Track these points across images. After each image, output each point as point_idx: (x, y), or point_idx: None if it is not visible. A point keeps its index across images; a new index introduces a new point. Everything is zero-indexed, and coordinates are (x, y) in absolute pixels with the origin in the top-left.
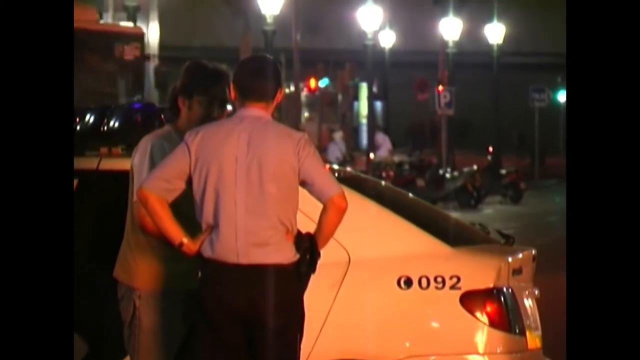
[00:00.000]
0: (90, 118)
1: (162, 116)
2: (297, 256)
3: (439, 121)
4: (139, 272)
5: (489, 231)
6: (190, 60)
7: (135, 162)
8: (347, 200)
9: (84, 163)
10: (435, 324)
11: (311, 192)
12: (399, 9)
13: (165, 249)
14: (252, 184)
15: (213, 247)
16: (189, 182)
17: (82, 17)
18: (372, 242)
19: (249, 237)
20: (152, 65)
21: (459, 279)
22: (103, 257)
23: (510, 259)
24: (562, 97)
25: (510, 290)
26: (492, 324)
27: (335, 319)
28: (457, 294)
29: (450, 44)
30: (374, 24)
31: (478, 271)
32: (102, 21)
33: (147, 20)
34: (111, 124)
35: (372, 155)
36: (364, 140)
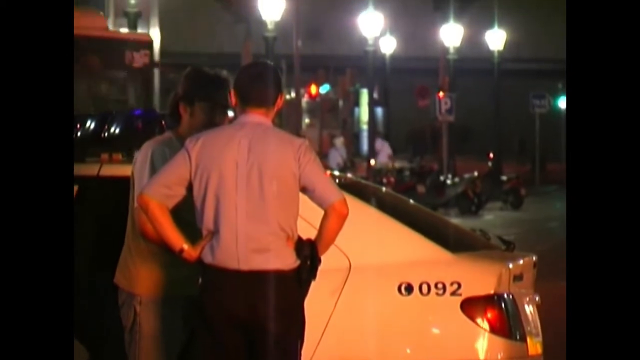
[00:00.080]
0: (91, 124)
1: (163, 122)
2: (298, 262)
3: (440, 127)
4: (139, 278)
5: (490, 237)
6: (190, 66)
7: (136, 168)
8: (348, 206)
9: (85, 169)
10: (435, 330)
11: (312, 198)
12: (400, 15)
13: (165, 255)
14: (252, 190)
15: (214, 253)
16: (190, 188)
17: (92, 25)
18: (372, 248)
19: (250, 243)
20: (156, 72)
21: (459, 285)
22: (103, 263)
23: (511, 265)
24: (562, 103)
25: (511, 296)
26: (493, 330)
27: (336, 325)
28: (457, 300)
29: (451, 50)
30: (374, 30)
31: (479, 277)
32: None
33: (147, 26)
34: (112, 130)
35: (372, 162)
36: (365, 146)
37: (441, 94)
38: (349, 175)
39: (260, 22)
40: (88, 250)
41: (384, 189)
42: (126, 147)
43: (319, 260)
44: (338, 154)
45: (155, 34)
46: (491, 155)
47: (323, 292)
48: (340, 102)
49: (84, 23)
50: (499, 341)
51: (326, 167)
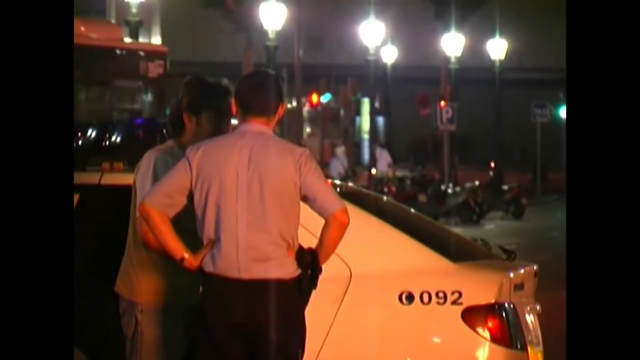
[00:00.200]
0: (92, 133)
1: (164, 131)
2: (299, 271)
3: (441, 136)
4: (141, 286)
5: (491, 246)
6: (191, 76)
7: (138, 177)
8: (349, 215)
9: (86, 178)
10: (436, 339)
11: (313, 207)
12: (401, 25)
13: (167, 264)
14: (253, 199)
15: (214, 262)
16: (190, 197)
17: (108, 35)
18: (373, 257)
19: (250, 252)
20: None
21: (460, 295)
22: (104, 271)
23: (512, 275)
24: (564, 112)
25: (512, 305)
26: (494, 339)
27: (336, 334)
28: (458, 309)
29: (452, 59)
30: (376, 39)
31: (480, 286)
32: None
33: (149, 35)
34: (113, 139)
35: (373, 171)
36: (366, 155)
37: (442, 103)
38: (350, 184)
39: (261, 32)
40: (89, 258)
41: (385, 198)
42: (127, 155)
43: (320, 269)
44: (339, 163)
45: (156, 43)
46: (492, 164)
47: (324, 301)
48: (342, 111)
49: (100, 34)
50: (500, 350)
51: (327, 176)
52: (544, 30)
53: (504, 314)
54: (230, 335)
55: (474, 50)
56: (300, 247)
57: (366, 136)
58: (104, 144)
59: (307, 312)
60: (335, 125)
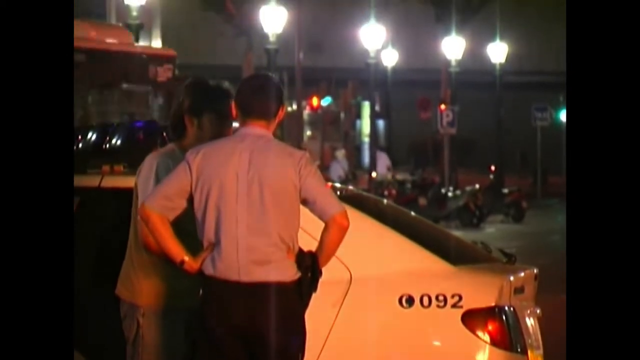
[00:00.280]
0: (92, 136)
1: (164, 134)
2: (299, 274)
3: (441, 140)
4: (142, 290)
5: (491, 250)
6: (192, 78)
7: (139, 180)
8: (349, 218)
9: (86, 181)
10: (436, 343)
11: (313, 210)
12: (402, 28)
13: (168, 267)
14: (253, 202)
15: (215, 265)
16: (191, 200)
17: (119, 40)
18: (373, 260)
19: (250, 255)
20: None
21: (460, 298)
22: (104, 274)
23: (512, 278)
24: (564, 116)
25: (512, 309)
26: (494, 342)
27: (336, 337)
28: (458, 312)
29: (453, 62)
30: (376, 42)
31: (480, 290)
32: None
33: (149, 38)
34: (113, 141)
35: (374, 174)
36: (367, 158)
37: (443, 106)
38: (351, 187)
39: (261, 35)
40: (89, 261)
41: (385, 201)
42: (127, 158)
43: (320, 272)
44: (340, 167)
45: (157, 46)
46: (493, 168)
47: (324, 304)
48: (342, 115)
49: (111, 38)
50: (500, 354)
51: (327, 179)
52: (544, 34)
53: (504, 317)
54: (230, 338)
55: (475, 54)
56: (301, 250)
57: (366, 139)
58: (104, 146)
59: (307, 315)
60: (336, 129)
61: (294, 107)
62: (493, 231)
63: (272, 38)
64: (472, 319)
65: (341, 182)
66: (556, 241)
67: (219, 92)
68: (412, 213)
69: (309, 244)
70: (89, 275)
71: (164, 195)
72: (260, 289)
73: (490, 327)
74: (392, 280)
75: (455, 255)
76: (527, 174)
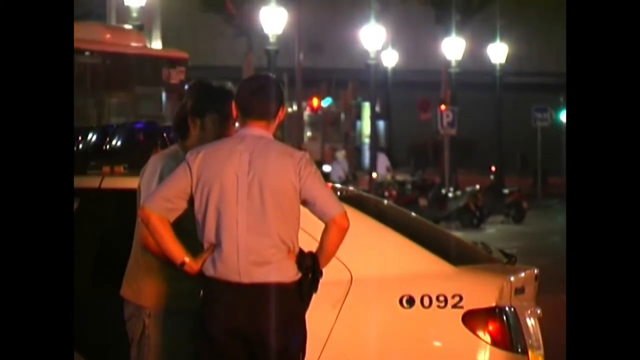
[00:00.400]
0: (92, 137)
1: (164, 135)
2: (299, 275)
3: (442, 140)
4: (148, 291)
5: (492, 250)
6: (195, 79)
7: (143, 181)
8: (349, 219)
9: (86, 182)
10: (437, 343)
11: (313, 211)
12: (402, 29)
13: (174, 268)
14: (253, 203)
15: (215, 266)
16: (191, 201)
17: (133, 43)
18: (374, 261)
19: (251, 256)
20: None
21: (461, 298)
22: (104, 275)
23: (512, 278)
24: (564, 116)
25: (512, 309)
26: (495, 343)
27: (337, 337)
28: (459, 312)
29: (453, 63)
30: (376, 43)
31: (480, 290)
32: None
33: (150, 39)
34: (113, 142)
35: (374, 175)
36: (367, 159)
37: (443, 107)
38: (351, 188)
39: (262, 35)
40: (89, 262)
41: (385, 201)
42: (127, 159)
43: (321, 273)
44: (340, 167)
45: (157, 47)
46: (493, 168)
47: (324, 304)
48: (342, 116)
49: (125, 41)
50: (501, 354)
51: (327, 179)
52: (544, 34)
53: (504, 318)
54: (230, 339)
55: (475, 54)
56: (301, 250)
57: (367, 140)
58: (104, 147)
59: (308, 315)
60: (336, 130)
61: (294, 108)
62: (493, 232)
63: (272, 39)
64: (472, 319)
65: (341, 183)
66: (556, 242)
67: (222, 93)
68: (413, 214)
69: (309, 244)
70: (89, 276)
71: (164, 196)
72: (260, 290)
73: (490, 328)
74: (393, 280)
75: (456, 255)
76: (527, 175)
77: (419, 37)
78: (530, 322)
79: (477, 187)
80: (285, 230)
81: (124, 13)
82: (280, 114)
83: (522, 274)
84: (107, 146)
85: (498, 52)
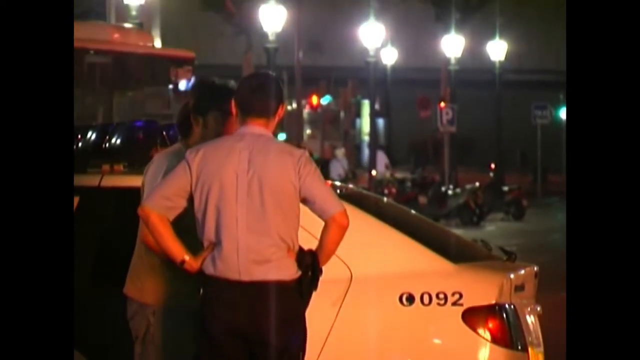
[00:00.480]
0: (92, 135)
1: (164, 133)
2: (299, 273)
3: (441, 138)
4: (153, 289)
5: (491, 248)
6: (198, 78)
7: (146, 179)
8: (348, 217)
9: (86, 180)
10: (437, 341)
11: (312, 209)
12: (401, 27)
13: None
14: (253, 201)
15: (215, 265)
16: (190, 199)
17: (141, 42)
18: (374, 259)
19: (251, 255)
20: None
21: (461, 296)
22: (105, 274)
23: (512, 276)
24: (564, 114)
25: (512, 306)
26: (494, 340)
27: (337, 335)
28: (459, 310)
29: (453, 61)
30: (376, 41)
31: (480, 288)
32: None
33: None
34: (113, 141)
35: (373, 172)
36: (366, 157)
37: (442, 104)
38: (351, 185)
39: (261, 34)
40: (88, 261)
41: (385, 199)
42: (127, 158)
43: (321, 271)
44: (340, 165)
45: (157, 46)
46: (493, 166)
47: (324, 302)
48: (342, 113)
49: (133, 40)
50: (501, 351)
51: (327, 177)
52: (544, 32)
53: (504, 315)
54: (230, 337)
55: (474, 52)
56: (301, 248)
57: (366, 138)
58: (104, 146)
59: (308, 313)
60: (336, 127)
61: (294, 106)
62: (493, 229)
63: (271, 37)
64: (472, 316)
65: (341, 181)
66: (556, 239)
67: (224, 92)
68: (413, 211)
69: (309, 242)
70: (89, 275)
71: (164, 194)
72: (260, 288)
73: (490, 325)
74: (393, 278)
75: (456, 253)
76: (527, 172)
77: (419, 34)
78: (530, 319)
79: (477, 184)
80: (285, 229)
81: (123, 11)
82: (280, 112)
83: (522, 272)
84: (107, 144)
85: (498, 49)
